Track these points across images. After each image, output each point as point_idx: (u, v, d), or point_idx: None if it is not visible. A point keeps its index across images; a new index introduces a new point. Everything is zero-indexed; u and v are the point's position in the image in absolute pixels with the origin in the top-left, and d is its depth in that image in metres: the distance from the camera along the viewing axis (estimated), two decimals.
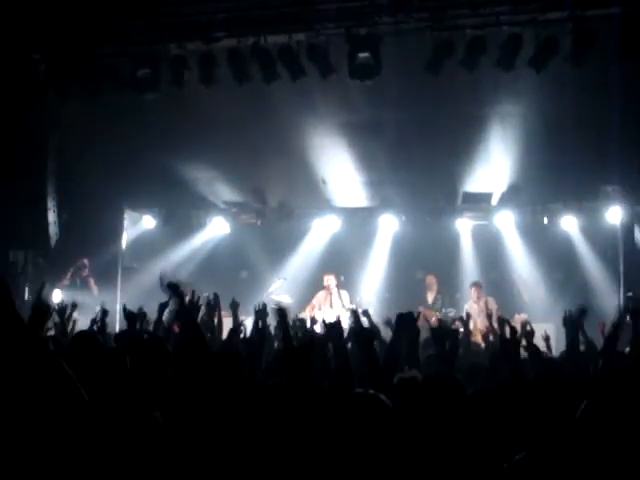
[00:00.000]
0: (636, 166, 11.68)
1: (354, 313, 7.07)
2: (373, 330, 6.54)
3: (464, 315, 13.44)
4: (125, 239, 15.91)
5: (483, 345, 8.79)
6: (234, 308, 8.13)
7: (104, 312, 7.32)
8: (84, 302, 11.73)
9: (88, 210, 13.77)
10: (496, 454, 3.40)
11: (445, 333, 5.37)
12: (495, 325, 8.19)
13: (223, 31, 10.36)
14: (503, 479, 3.13)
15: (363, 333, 5.54)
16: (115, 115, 11.88)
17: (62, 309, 7.61)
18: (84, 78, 11.12)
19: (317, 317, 10.46)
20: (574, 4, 9.37)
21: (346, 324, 10.99)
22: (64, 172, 12.82)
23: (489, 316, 9.65)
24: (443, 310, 14.22)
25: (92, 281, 14.15)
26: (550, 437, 3.19)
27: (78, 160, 12.84)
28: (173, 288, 4.92)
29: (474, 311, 13.37)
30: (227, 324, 8.26)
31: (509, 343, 4.51)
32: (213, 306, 7.62)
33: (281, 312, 5.29)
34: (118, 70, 10.97)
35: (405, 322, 4.80)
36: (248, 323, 12.16)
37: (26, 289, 12.82)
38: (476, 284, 14.04)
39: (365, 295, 15.13)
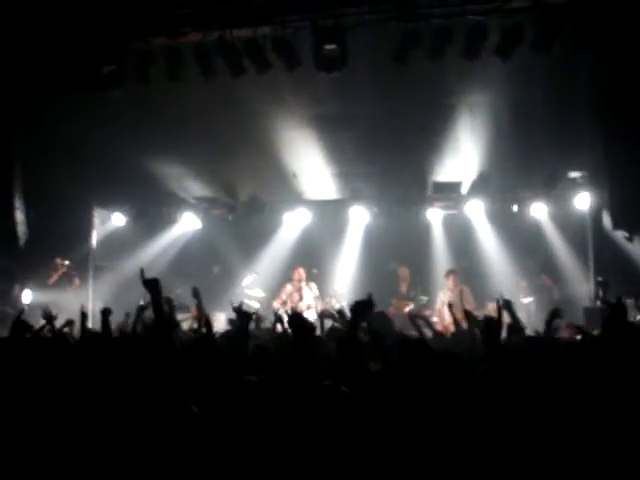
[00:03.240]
0: (603, 152, 11.76)
1: (340, 313, 7.04)
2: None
3: (438, 303, 13.62)
4: (95, 237, 15.82)
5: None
6: (197, 296, 8.00)
7: (83, 315, 7.25)
8: (58, 302, 11.69)
9: (57, 209, 13.63)
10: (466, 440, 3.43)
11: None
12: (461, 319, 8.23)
13: (188, 25, 10.27)
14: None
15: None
16: (82, 112, 11.75)
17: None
18: (49, 75, 10.99)
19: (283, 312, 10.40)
20: None
21: (314, 316, 11.00)
22: (31, 171, 12.67)
23: (450, 306, 9.69)
24: (416, 299, 14.28)
25: (77, 280, 14.10)
26: None
27: (45, 158, 12.69)
28: (151, 284, 4.89)
29: (448, 299, 13.46)
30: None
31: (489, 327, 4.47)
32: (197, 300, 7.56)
33: (244, 315, 5.30)
34: (83, 67, 10.84)
35: (361, 309, 4.74)
36: (221, 317, 12.23)
37: None
38: (452, 272, 14.10)
39: (338, 287, 15.16)
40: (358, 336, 4.70)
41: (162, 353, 4.42)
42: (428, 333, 7.51)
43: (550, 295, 13.73)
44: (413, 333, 7.44)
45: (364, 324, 5.29)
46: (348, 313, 6.27)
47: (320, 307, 14.02)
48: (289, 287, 14.54)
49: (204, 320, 6.90)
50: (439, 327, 11.01)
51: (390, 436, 3.49)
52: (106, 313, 6.18)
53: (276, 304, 13.91)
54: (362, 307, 4.76)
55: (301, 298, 14.32)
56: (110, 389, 3.94)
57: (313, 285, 14.58)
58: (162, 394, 3.86)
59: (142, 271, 5.04)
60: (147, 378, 4.20)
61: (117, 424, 3.48)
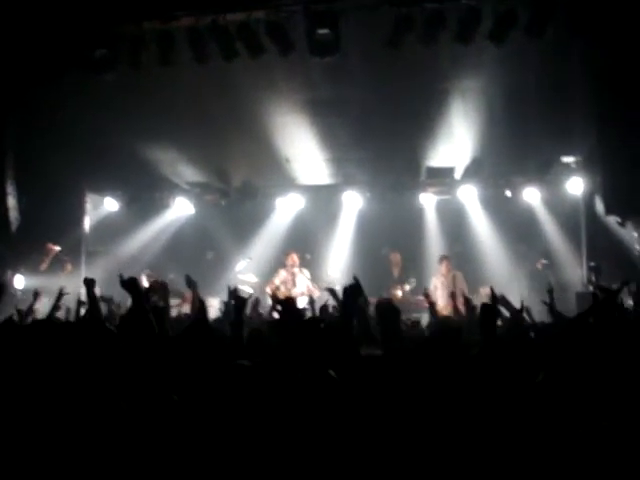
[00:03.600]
0: (595, 137, 11.78)
1: (332, 292, 7.03)
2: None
3: (431, 287, 13.65)
4: (88, 223, 15.78)
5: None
6: (191, 284, 7.98)
7: (79, 303, 7.25)
8: (50, 287, 11.66)
9: (49, 194, 13.57)
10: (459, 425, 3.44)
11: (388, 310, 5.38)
12: (460, 306, 8.27)
13: (181, 10, 10.23)
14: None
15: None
16: (75, 96, 11.69)
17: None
18: (42, 60, 10.93)
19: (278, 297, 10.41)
20: None
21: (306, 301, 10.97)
22: (23, 157, 12.63)
23: (452, 294, 9.74)
24: (407, 282, 14.28)
25: (69, 265, 14.07)
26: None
27: (38, 143, 12.64)
28: (130, 285, 4.89)
29: (441, 285, 13.49)
30: None
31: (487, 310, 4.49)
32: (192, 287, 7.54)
33: (240, 299, 5.30)
34: (76, 51, 10.79)
35: (351, 293, 4.75)
36: (215, 303, 12.23)
37: None
38: (445, 257, 14.11)
39: (331, 272, 15.17)
40: (351, 321, 4.70)
41: (144, 346, 4.40)
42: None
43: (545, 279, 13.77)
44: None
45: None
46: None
47: (313, 293, 14.04)
48: (283, 273, 14.53)
49: (198, 305, 6.89)
50: None
51: (380, 422, 3.49)
52: (90, 284, 6.08)
53: (269, 290, 13.90)
54: (351, 292, 4.77)
55: (294, 284, 14.32)
56: (92, 377, 3.92)
57: (306, 271, 14.57)
58: (144, 383, 3.85)
59: (121, 276, 5.04)
60: (128, 367, 4.19)
61: (99, 412, 3.46)
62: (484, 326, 4.27)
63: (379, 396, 3.68)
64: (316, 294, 13.41)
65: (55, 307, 7.28)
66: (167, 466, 3.27)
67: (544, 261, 14.14)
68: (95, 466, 3.18)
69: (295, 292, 13.81)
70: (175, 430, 3.40)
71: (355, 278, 4.91)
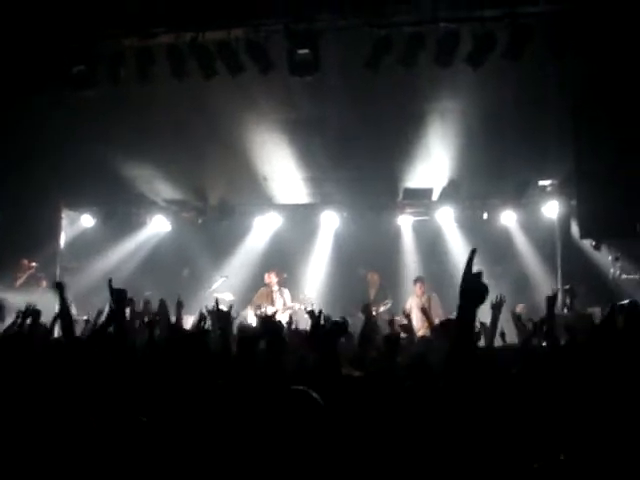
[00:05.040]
0: (572, 161, 11.88)
1: (312, 314, 6.99)
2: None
3: (406, 308, 13.63)
4: (63, 239, 15.66)
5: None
6: (178, 308, 7.96)
7: (36, 313, 7.14)
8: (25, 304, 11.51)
9: (24, 210, 13.47)
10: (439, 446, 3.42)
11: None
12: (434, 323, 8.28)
13: (160, 27, 10.21)
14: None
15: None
16: (52, 112, 11.63)
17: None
18: (19, 75, 10.86)
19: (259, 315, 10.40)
20: (509, 1, 9.48)
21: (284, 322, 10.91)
22: None
23: (424, 310, 9.76)
24: (382, 303, 14.23)
25: (44, 282, 13.95)
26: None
27: (13, 159, 12.54)
28: (118, 295, 4.86)
29: (416, 306, 13.48)
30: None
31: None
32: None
33: (223, 315, 5.27)
34: (53, 67, 10.73)
35: (337, 331, 4.75)
36: (190, 320, 12.14)
37: None
38: (420, 279, 14.13)
39: (308, 292, 15.14)
40: (336, 353, 4.68)
41: (117, 360, 4.36)
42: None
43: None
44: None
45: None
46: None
47: (293, 311, 14.00)
48: (263, 291, 14.50)
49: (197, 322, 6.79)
50: None
51: (362, 444, 3.47)
52: (61, 287, 5.99)
53: (250, 309, 13.85)
54: (338, 330, 4.76)
55: (274, 302, 14.28)
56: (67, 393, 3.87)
57: (286, 291, 14.52)
58: (112, 402, 3.80)
59: (110, 281, 5.00)
60: (96, 384, 4.15)
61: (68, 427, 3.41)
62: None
63: (360, 418, 3.66)
64: (296, 312, 13.38)
65: (20, 323, 7.15)
66: None
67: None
68: None
69: (271, 311, 13.75)
70: (145, 449, 3.35)
71: (344, 319, 4.92)
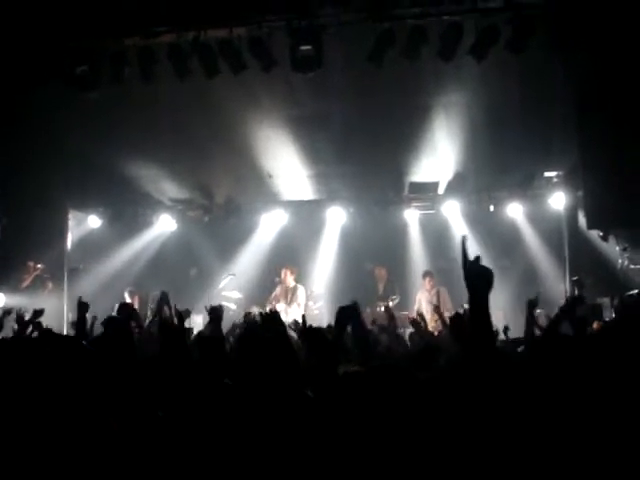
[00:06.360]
0: (577, 152, 11.84)
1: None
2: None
3: (416, 303, 13.63)
4: (70, 239, 15.68)
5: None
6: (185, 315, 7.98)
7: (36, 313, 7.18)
8: (31, 306, 11.54)
9: (30, 212, 13.49)
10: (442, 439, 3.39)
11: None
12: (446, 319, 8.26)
13: (162, 26, 10.20)
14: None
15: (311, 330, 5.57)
16: (56, 113, 11.64)
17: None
18: (22, 77, 10.86)
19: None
20: None
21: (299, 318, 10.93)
22: (5, 173, 12.54)
23: (436, 308, 9.76)
24: (389, 299, 14.23)
25: (50, 284, 13.97)
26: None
27: (20, 161, 12.55)
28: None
29: (425, 300, 13.49)
30: None
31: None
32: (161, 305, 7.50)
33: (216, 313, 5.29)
34: (57, 68, 10.73)
35: (346, 314, 4.68)
36: (198, 320, 12.17)
37: None
38: (429, 273, 14.12)
39: (316, 288, 15.14)
40: (342, 343, 4.65)
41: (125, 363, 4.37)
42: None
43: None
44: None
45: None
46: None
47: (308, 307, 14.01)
48: (278, 288, 14.50)
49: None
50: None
51: (361, 443, 3.44)
52: (83, 307, 6.02)
53: (268, 307, 13.85)
54: (347, 314, 4.71)
55: (288, 299, 14.26)
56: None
57: (301, 288, 14.47)
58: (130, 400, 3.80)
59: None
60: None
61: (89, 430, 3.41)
62: (456, 337, 4.24)
63: (359, 415, 3.63)
64: (313, 310, 13.39)
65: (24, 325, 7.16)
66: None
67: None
68: None
69: (284, 308, 13.76)
70: (160, 447, 3.35)
71: (354, 302, 4.87)
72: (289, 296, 14.29)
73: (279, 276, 14.59)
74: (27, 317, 7.40)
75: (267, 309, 13.25)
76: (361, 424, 3.20)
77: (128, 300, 13.69)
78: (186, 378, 4.12)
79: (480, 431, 3.06)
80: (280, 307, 13.47)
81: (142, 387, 4.07)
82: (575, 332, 5.38)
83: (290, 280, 14.44)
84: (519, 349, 5.89)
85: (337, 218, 15.82)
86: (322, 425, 3.35)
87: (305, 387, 3.59)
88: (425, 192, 15.37)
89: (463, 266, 3.13)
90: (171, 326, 5.37)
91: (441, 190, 15.24)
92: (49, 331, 6.28)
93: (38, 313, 7.48)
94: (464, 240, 3.15)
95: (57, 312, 13.19)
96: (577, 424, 3.19)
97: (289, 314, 13.19)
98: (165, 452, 3.38)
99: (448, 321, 7.55)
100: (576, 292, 12.19)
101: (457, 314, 4.67)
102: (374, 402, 3.55)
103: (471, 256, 3.14)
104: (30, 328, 7.14)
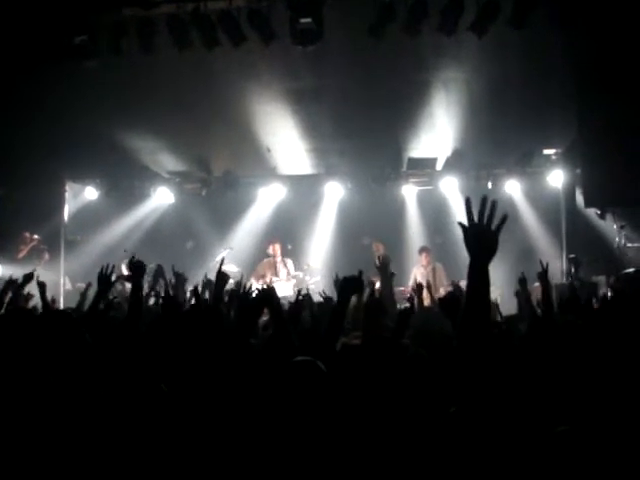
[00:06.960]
0: (576, 129, 11.82)
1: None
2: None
3: (412, 279, 13.65)
4: (67, 211, 15.67)
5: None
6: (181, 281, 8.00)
7: (42, 285, 7.17)
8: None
9: (27, 183, 13.47)
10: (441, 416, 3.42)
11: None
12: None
13: None
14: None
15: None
16: (54, 84, 11.56)
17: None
18: (19, 47, 10.78)
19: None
20: None
21: (291, 292, 10.97)
22: (1, 145, 12.49)
23: (428, 285, 9.80)
24: None
25: (46, 255, 13.97)
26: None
27: (16, 132, 12.50)
28: (137, 268, 4.96)
29: (421, 276, 13.50)
30: None
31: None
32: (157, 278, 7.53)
33: (222, 276, 5.28)
34: (55, 38, 10.65)
35: (351, 285, 4.68)
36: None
37: None
38: (425, 249, 14.14)
39: (312, 262, 15.16)
40: (344, 312, 4.66)
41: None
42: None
43: None
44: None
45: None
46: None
47: (293, 284, 14.04)
48: (266, 261, 14.54)
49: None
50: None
51: (369, 413, 3.46)
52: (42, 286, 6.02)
53: (254, 280, 13.86)
54: (352, 285, 4.71)
55: (277, 274, 14.32)
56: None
57: (289, 261, 14.57)
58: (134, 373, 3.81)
59: (133, 257, 5.12)
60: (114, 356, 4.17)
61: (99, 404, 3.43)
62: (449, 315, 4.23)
63: (362, 386, 3.66)
64: (301, 281, 13.42)
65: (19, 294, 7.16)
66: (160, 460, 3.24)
67: None
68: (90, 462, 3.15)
69: (275, 281, 13.80)
70: (165, 421, 3.36)
71: (360, 271, 4.88)
72: (276, 270, 14.36)
73: (269, 250, 14.67)
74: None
75: (254, 282, 13.34)
76: (359, 394, 3.23)
77: (125, 272, 13.68)
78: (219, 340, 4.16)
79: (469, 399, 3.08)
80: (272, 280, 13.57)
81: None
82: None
83: (278, 254, 14.54)
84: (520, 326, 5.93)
85: (335, 193, 15.81)
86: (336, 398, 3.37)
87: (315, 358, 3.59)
88: (423, 168, 15.34)
89: (465, 229, 3.02)
90: (172, 300, 5.40)
91: (439, 166, 15.22)
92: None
93: (28, 278, 7.46)
94: (468, 202, 3.01)
95: (54, 283, 13.20)
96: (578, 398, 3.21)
97: (281, 286, 13.28)
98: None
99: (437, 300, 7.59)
100: (572, 270, 12.24)
101: (451, 292, 4.69)
102: (370, 374, 3.58)
103: (475, 218, 3.02)
104: (10, 294, 7.11)
